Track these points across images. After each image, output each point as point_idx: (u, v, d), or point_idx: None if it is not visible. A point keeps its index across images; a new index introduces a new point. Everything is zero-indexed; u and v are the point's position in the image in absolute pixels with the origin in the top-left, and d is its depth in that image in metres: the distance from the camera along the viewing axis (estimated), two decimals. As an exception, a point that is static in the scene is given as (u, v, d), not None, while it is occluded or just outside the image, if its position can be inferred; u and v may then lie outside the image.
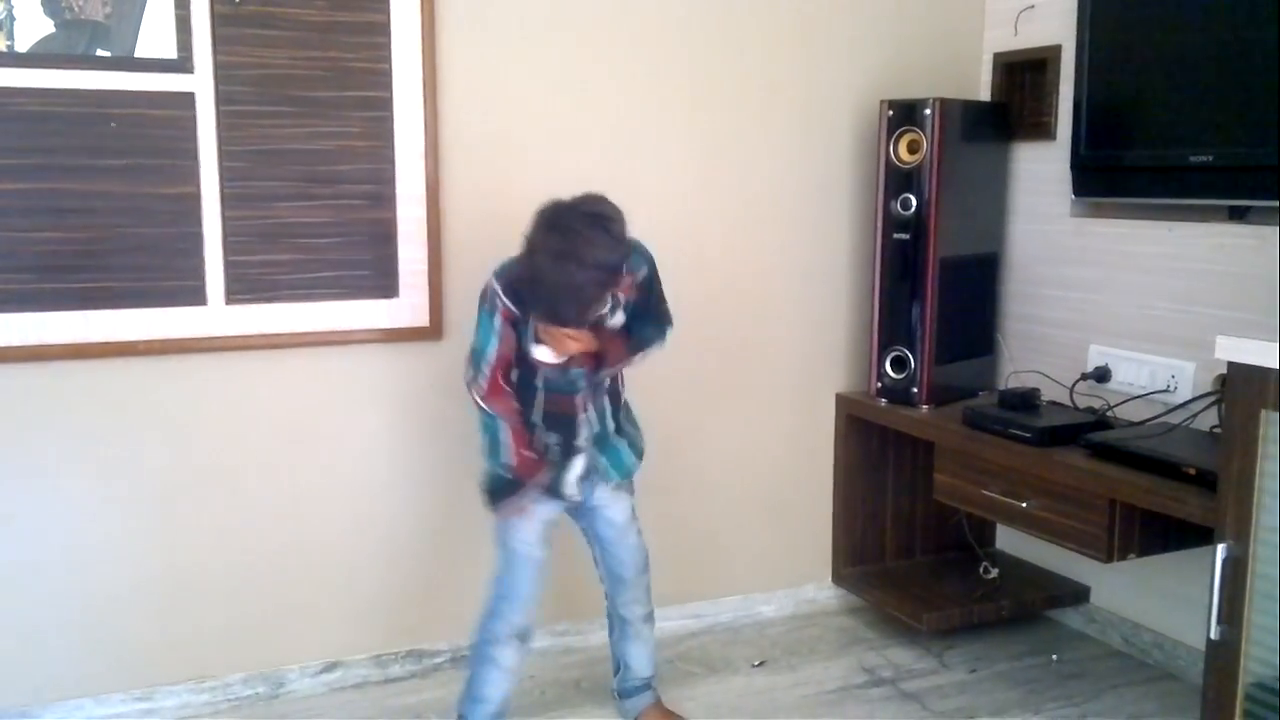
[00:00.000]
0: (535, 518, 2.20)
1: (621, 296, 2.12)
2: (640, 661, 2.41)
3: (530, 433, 2.16)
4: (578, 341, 2.05)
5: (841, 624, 2.97)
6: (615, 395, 2.26)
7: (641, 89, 2.67)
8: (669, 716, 2.42)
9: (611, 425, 2.24)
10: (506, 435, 2.13)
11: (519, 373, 2.15)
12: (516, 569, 2.22)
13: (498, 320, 2.09)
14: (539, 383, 2.15)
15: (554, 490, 2.19)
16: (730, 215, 2.81)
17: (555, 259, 1.91)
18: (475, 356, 2.11)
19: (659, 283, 2.20)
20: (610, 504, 2.28)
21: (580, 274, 1.91)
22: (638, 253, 2.12)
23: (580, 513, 2.30)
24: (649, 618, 2.40)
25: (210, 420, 2.41)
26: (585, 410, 2.18)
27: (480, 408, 2.14)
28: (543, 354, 2.10)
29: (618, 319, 2.14)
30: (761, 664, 2.72)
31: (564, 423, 2.17)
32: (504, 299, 2.07)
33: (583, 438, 2.19)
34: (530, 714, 2.47)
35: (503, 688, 2.23)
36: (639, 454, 2.29)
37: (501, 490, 2.17)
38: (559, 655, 2.71)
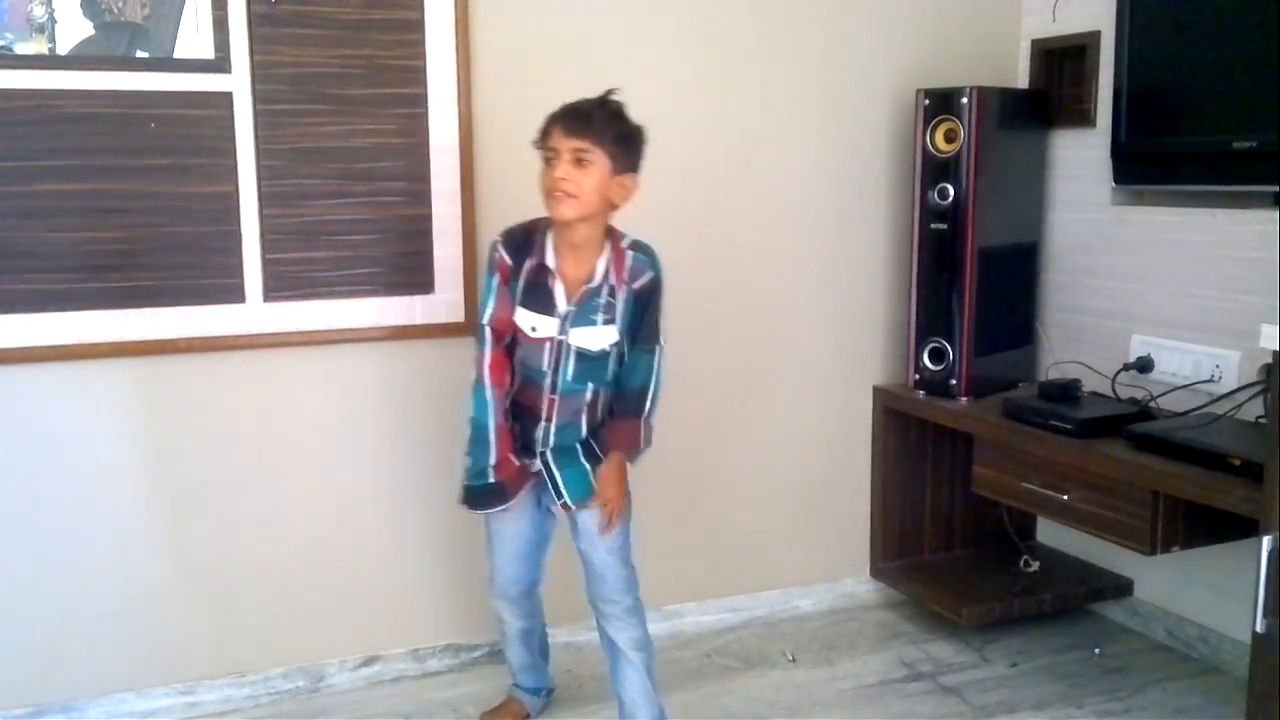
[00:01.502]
0: (513, 510, 2.17)
1: (620, 294, 2.06)
2: (635, 700, 2.23)
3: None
4: (568, 180, 1.96)
5: (880, 618, 2.96)
6: (593, 424, 2.16)
7: (676, 81, 2.66)
8: None
9: (580, 449, 2.15)
10: (493, 433, 2.09)
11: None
12: (497, 547, 2.24)
13: (495, 279, 2.08)
14: (517, 359, 2.12)
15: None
16: (765, 206, 2.80)
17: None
18: (479, 321, 2.11)
19: (658, 303, 2.12)
20: (585, 519, 2.18)
21: (606, 98, 2.03)
22: (648, 254, 2.11)
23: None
24: (639, 645, 2.23)
25: (249, 416, 2.43)
26: (547, 418, 2.12)
27: (478, 383, 2.09)
28: (521, 318, 2.07)
29: (606, 334, 2.08)
30: (794, 660, 2.70)
31: (527, 416, 2.14)
32: (503, 248, 2.07)
33: (539, 442, 2.13)
34: (570, 706, 2.48)
35: (513, 646, 2.35)
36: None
37: (482, 496, 2.14)
38: (595, 649, 2.70)
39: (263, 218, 2.35)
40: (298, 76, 2.33)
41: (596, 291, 2.06)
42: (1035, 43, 2.93)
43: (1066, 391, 2.55)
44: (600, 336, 2.08)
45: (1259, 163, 2.29)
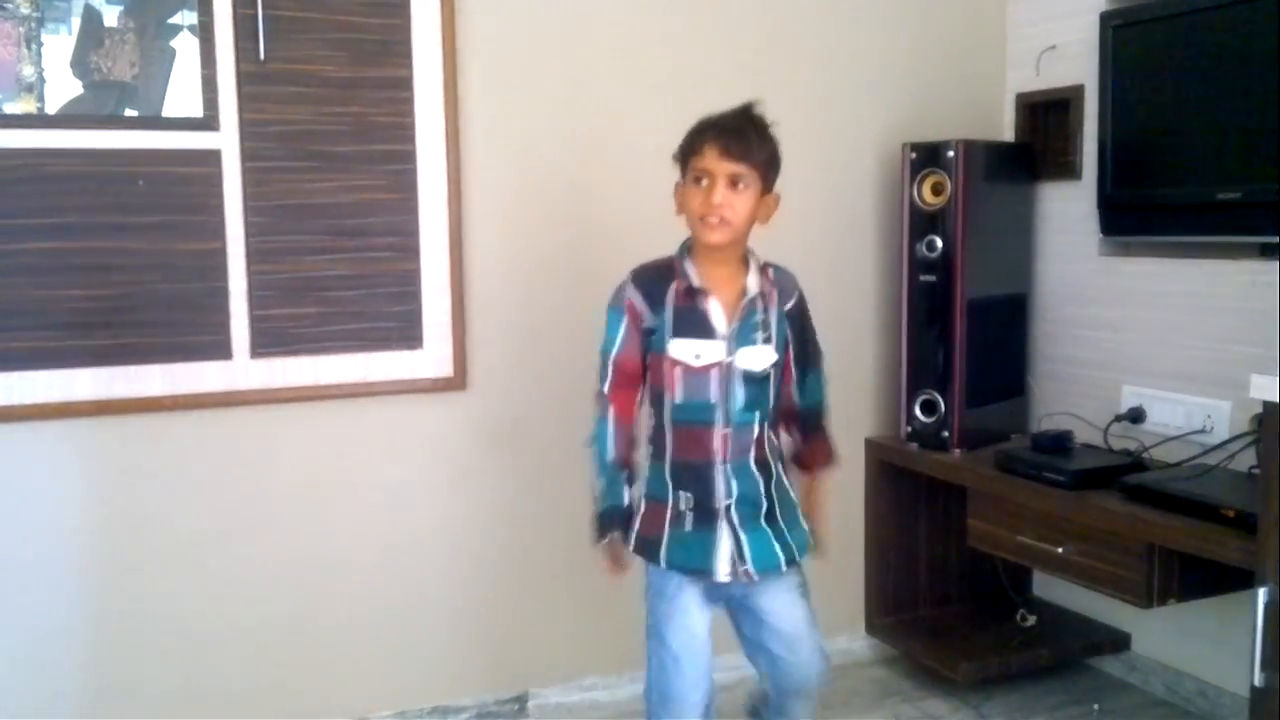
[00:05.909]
0: (694, 602, 1.94)
1: (772, 312, 1.95)
2: None
3: (660, 497, 1.93)
4: (726, 206, 1.87)
5: (876, 675, 2.91)
6: (765, 466, 1.95)
7: (662, 138, 2.67)
8: None
9: (763, 503, 1.94)
10: (610, 430, 1.94)
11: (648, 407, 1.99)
12: (673, 669, 1.91)
13: (624, 319, 1.93)
14: (668, 416, 1.92)
15: (697, 566, 1.91)
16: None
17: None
18: (602, 357, 1.95)
19: (811, 320, 2.09)
20: (770, 600, 1.97)
21: (754, 113, 1.93)
22: (790, 273, 2.03)
23: (733, 606, 2.01)
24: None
25: (237, 474, 2.41)
26: (723, 459, 1.90)
27: (601, 413, 1.95)
28: (679, 349, 1.90)
29: (767, 354, 1.94)
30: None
31: (697, 473, 1.91)
32: (632, 287, 1.93)
33: (720, 496, 1.90)
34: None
35: None
36: (795, 549, 1.97)
37: (608, 518, 1.94)
38: (586, 710, 2.67)
39: (250, 274, 2.35)
40: (286, 134, 2.34)
41: (753, 306, 1.93)
42: (1020, 97, 2.96)
43: (1058, 443, 2.54)
44: (763, 356, 1.94)
45: (1243, 213, 2.31)
